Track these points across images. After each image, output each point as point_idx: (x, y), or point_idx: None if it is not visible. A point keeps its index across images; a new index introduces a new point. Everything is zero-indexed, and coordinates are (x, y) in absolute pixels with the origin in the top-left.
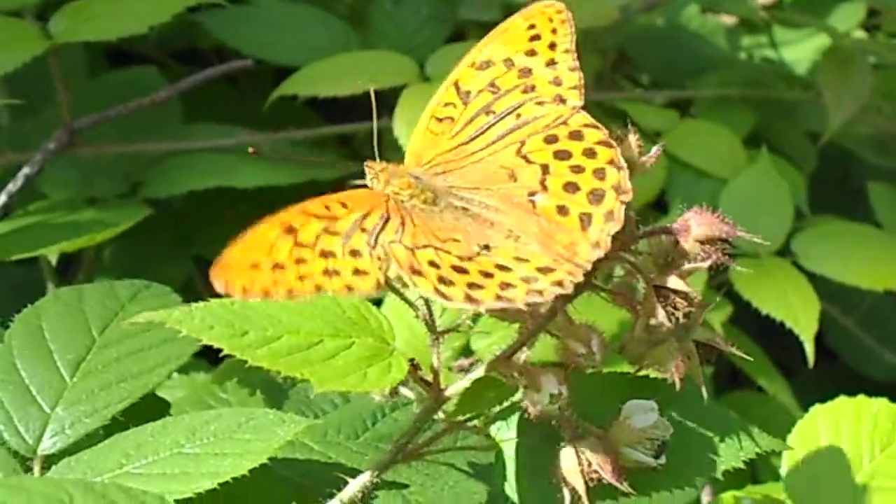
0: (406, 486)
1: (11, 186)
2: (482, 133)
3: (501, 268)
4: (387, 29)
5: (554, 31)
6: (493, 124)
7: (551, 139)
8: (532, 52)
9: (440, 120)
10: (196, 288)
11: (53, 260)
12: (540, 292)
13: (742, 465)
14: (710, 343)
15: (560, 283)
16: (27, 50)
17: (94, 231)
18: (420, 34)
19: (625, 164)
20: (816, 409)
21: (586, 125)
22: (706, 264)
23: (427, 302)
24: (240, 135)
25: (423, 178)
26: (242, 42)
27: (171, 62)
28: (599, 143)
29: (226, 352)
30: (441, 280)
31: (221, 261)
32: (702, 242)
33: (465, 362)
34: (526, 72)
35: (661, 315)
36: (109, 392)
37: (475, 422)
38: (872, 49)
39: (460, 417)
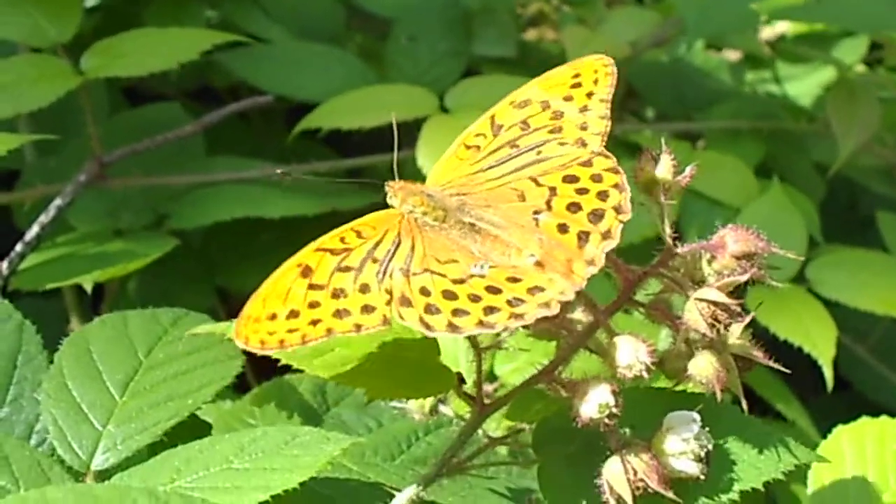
0: None
1: (43, 218)
2: (502, 164)
3: (491, 290)
4: (403, 64)
5: (595, 81)
6: (514, 157)
7: (563, 167)
8: (569, 98)
9: (468, 147)
10: (219, 318)
11: (88, 289)
12: (521, 316)
13: (782, 477)
14: (747, 355)
15: (547, 304)
16: (61, 85)
17: (124, 261)
18: (435, 69)
19: (628, 188)
20: (840, 430)
21: (598, 155)
22: (744, 278)
23: None
24: (263, 167)
25: (436, 196)
26: (262, 79)
27: (185, 100)
28: (607, 169)
29: (283, 362)
30: (427, 309)
31: (243, 313)
32: (738, 258)
33: (488, 388)
34: (558, 114)
35: (703, 327)
36: (158, 410)
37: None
38: (875, 82)
39: (501, 433)
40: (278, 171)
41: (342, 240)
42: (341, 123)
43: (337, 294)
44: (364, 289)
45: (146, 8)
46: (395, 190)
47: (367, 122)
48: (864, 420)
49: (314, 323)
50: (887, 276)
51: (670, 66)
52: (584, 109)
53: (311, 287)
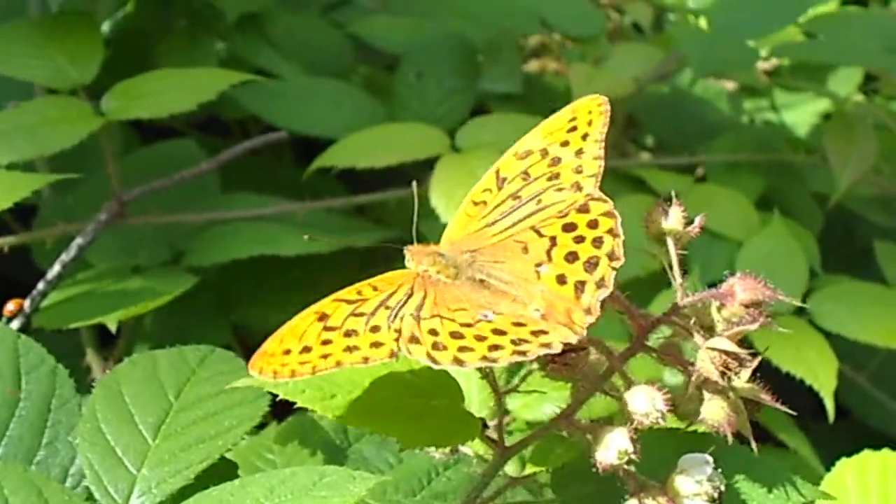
0: None
1: (65, 256)
2: (505, 216)
3: (497, 332)
4: (411, 101)
5: (590, 122)
6: (517, 209)
7: (562, 215)
8: (566, 143)
9: (476, 203)
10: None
11: (113, 328)
12: (524, 353)
13: None
14: (756, 399)
15: (548, 345)
16: (83, 128)
17: (146, 299)
18: (444, 105)
19: (621, 233)
20: (843, 464)
21: (594, 199)
22: (753, 327)
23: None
24: (278, 203)
25: (448, 256)
26: (273, 114)
27: (194, 132)
28: (603, 214)
29: (318, 413)
30: (435, 346)
31: (260, 349)
32: (746, 306)
33: None
34: (555, 161)
35: (715, 375)
36: (190, 453)
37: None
38: (871, 112)
39: (518, 473)
40: (305, 237)
41: (359, 292)
42: (355, 162)
43: (349, 333)
44: (375, 329)
45: (158, 42)
46: (413, 254)
47: (381, 161)
48: (867, 453)
49: (325, 357)
50: (887, 307)
51: (671, 98)
52: (579, 153)
53: (326, 329)
